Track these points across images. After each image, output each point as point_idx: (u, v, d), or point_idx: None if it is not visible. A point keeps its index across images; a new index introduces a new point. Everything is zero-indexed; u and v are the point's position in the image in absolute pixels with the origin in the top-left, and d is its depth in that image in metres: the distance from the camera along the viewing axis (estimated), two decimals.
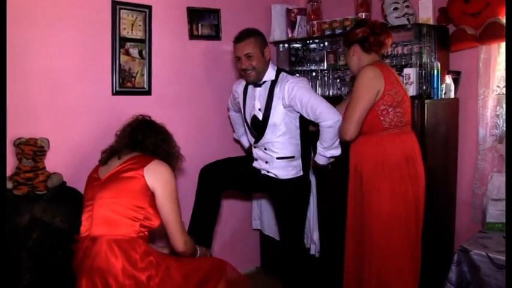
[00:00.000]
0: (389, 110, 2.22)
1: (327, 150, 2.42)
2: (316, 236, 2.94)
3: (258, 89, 2.52)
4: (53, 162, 2.40)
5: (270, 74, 2.49)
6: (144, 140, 2.03)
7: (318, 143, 2.45)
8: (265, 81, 2.50)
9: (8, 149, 2.27)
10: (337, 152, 2.45)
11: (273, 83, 2.47)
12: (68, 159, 2.51)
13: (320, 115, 2.34)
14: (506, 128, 2.47)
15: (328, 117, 2.33)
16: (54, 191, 2.31)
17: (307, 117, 2.41)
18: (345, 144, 2.43)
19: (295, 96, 2.38)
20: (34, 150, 2.27)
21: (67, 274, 2.02)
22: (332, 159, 2.50)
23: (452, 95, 2.69)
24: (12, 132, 2.29)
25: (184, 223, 2.47)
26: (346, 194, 2.45)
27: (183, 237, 1.98)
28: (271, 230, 3.18)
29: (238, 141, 3.14)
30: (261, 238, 3.47)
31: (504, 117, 2.58)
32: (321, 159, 2.49)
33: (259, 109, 2.51)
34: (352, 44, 2.35)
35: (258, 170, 2.61)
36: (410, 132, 2.33)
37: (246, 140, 2.89)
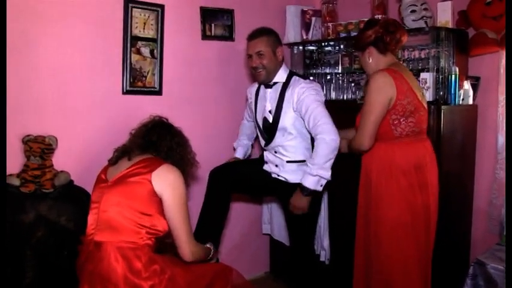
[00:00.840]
0: (401, 120, 2.13)
1: (317, 169, 2.23)
2: (326, 242, 2.88)
3: (269, 90, 2.48)
4: (61, 161, 2.40)
5: (281, 76, 2.44)
6: (159, 142, 1.97)
7: (308, 161, 2.29)
8: (276, 83, 2.45)
9: (16, 146, 2.27)
10: (327, 173, 2.25)
11: (285, 86, 2.42)
12: (76, 157, 2.49)
13: (319, 127, 2.24)
14: (506, 130, 2.38)
15: (326, 132, 2.22)
16: (61, 190, 2.30)
17: (307, 126, 2.33)
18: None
19: (302, 101, 2.32)
20: (42, 147, 2.27)
21: (71, 274, 1.99)
22: (321, 186, 2.29)
23: (470, 101, 2.61)
24: (21, 129, 2.29)
25: (193, 227, 2.44)
26: (357, 200, 2.38)
27: (190, 247, 1.90)
28: (281, 234, 3.13)
29: None
30: (270, 243, 3.42)
31: None
32: (309, 179, 2.26)
33: (270, 111, 2.46)
34: (366, 47, 2.23)
35: (269, 173, 2.56)
36: (424, 140, 2.24)
37: (241, 151, 2.78)
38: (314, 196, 2.35)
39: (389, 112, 2.12)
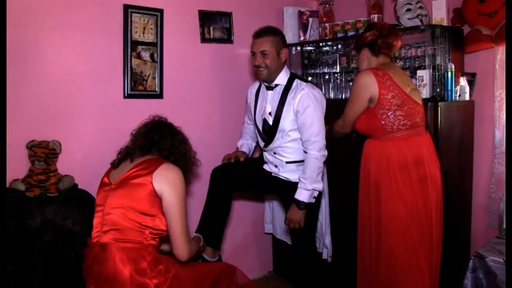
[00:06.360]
0: (389, 114, 2.22)
1: (311, 183, 2.34)
2: (328, 240, 2.90)
3: (270, 92, 2.50)
4: (65, 165, 2.43)
5: (282, 78, 2.46)
6: (161, 140, 1.98)
7: (300, 177, 2.37)
8: (277, 85, 2.48)
9: (21, 151, 2.31)
10: (320, 186, 2.38)
11: (286, 88, 2.44)
12: (80, 161, 2.53)
13: (311, 144, 2.34)
14: (506, 128, 2.40)
15: (317, 149, 2.34)
16: (65, 193, 2.34)
17: (300, 136, 2.40)
18: (356, 148, 2.42)
19: (302, 114, 2.36)
20: (46, 152, 2.30)
21: (78, 277, 2.02)
22: (314, 198, 2.39)
23: (467, 97, 2.63)
24: (25, 134, 2.33)
25: (194, 225, 2.46)
26: (357, 197, 2.42)
27: (186, 246, 1.89)
28: (283, 234, 3.16)
29: None
30: (273, 242, 3.44)
31: None
32: (303, 194, 2.36)
33: (270, 113, 2.49)
34: (362, 48, 2.37)
35: (269, 172, 2.59)
36: (420, 135, 2.28)
37: (246, 147, 2.76)
38: (308, 208, 2.41)
39: (376, 107, 2.22)
